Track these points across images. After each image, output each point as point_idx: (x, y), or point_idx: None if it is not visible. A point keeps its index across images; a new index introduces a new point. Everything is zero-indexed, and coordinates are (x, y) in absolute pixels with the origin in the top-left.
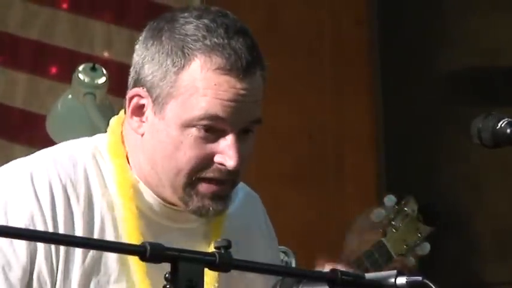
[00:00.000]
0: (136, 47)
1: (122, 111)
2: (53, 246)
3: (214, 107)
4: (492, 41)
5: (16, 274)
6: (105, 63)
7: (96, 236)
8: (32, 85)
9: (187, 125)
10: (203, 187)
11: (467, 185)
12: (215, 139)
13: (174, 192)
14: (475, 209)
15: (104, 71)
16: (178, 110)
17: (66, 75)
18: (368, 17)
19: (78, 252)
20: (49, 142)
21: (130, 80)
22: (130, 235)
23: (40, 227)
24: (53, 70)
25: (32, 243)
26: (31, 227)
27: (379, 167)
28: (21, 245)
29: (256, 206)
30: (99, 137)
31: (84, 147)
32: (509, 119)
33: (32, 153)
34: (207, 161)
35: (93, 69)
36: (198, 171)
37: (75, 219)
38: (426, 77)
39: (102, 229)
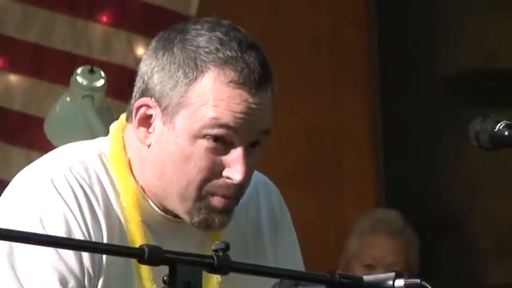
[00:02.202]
0: (145, 57)
1: (121, 116)
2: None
3: (226, 117)
4: (490, 42)
5: (73, 285)
6: (104, 65)
7: (116, 236)
8: (30, 88)
9: (198, 135)
10: (214, 200)
11: (466, 186)
12: (224, 152)
13: (182, 204)
14: (473, 211)
15: (102, 74)
16: (189, 120)
17: (65, 78)
18: (367, 19)
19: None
20: (47, 145)
21: (137, 90)
22: (135, 241)
23: (76, 231)
24: (51, 73)
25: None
26: (69, 233)
27: (378, 168)
28: (70, 257)
29: (269, 200)
30: (100, 140)
31: (90, 151)
32: (507, 122)
33: (31, 155)
34: (216, 173)
35: (92, 71)
36: (207, 184)
37: (100, 220)
38: (425, 78)
39: (122, 230)
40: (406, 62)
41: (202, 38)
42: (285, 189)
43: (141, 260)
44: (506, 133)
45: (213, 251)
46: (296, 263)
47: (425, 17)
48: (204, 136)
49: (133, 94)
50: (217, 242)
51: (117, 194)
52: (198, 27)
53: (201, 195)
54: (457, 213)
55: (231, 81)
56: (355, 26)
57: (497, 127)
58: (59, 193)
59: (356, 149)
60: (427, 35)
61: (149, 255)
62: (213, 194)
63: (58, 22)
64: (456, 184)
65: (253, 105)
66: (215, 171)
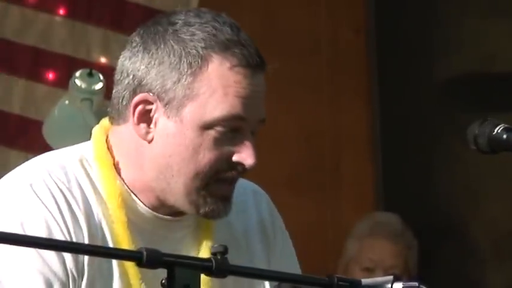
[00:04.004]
0: (128, 54)
1: (102, 120)
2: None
3: (236, 106)
4: (488, 47)
5: (58, 287)
6: (102, 69)
7: (99, 238)
8: (29, 91)
9: (208, 126)
10: (217, 188)
11: (465, 189)
12: (232, 139)
13: (188, 196)
14: (472, 214)
15: (101, 77)
16: (198, 111)
17: (63, 81)
18: (366, 23)
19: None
20: (46, 148)
21: (127, 87)
22: (122, 242)
23: (58, 234)
24: (50, 76)
25: (59, 253)
26: (50, 236)
27: (376, 170)
28: (53, 260)
29: (258, 207)
30: (83, 145)
31: (71, 156)
32: (505, 125)
33: (29, 158)
34: (225, 161)
35: (90, 75)
36: (217, 173)
37: (80, 223)
38: (423, 83)
39: (103, 233)
40: (405, 65)
41: (195, 27)
42: (283, 191)
43: (140, 263)
44: (504, 136)
45: (211, 254)
46: (292, 266)
47: (423, 20)
48: (215, 126)
49: (121, 93)
50: (215, 245)
51: (99, 196)
52: (182, 17)
53: (207, 183)
54: (456, 216)
55: (235, 65)
56: (353, 29)
57: (495, 130)
58: (39, 197)
59: (355, 151)
60: (426, 38)
61: (148, 259)
62: (219, 181)
63: (57, 25)
64: (455, 187)
65: (256, 87)
66: (224, 159)
